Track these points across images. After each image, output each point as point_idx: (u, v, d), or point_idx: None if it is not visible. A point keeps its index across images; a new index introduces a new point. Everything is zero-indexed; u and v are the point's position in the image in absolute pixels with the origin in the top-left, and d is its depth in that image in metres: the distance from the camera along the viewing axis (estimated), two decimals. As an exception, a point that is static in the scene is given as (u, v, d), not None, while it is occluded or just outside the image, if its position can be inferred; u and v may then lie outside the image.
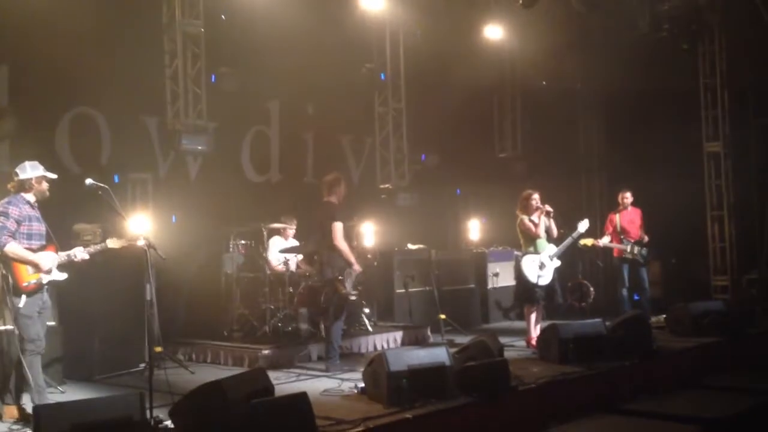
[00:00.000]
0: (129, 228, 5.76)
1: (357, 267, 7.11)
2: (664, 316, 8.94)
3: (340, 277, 6.95)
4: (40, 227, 5.44)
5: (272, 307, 7.99)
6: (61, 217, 7.16)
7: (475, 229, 11.41)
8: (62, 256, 5.52)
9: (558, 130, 12.00)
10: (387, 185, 10.73)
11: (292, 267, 8.38)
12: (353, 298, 7.16)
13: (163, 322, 6.89)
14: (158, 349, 6.80)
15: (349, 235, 7.25)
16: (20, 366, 5.28)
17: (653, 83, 10.72)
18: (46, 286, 5.45)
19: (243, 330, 8.07)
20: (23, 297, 5.25)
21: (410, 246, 10.07)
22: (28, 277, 5.30)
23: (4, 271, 5.24)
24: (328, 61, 9.64)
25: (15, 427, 5.24)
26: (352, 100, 10.46)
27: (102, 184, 5.37)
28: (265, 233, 8.17)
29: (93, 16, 7.67)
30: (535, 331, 7.72)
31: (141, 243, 5.41)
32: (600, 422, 5.89)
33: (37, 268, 5.34)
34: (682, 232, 10.74)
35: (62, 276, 5.51)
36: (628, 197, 9.38)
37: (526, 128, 12.11)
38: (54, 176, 5.53)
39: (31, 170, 5.40)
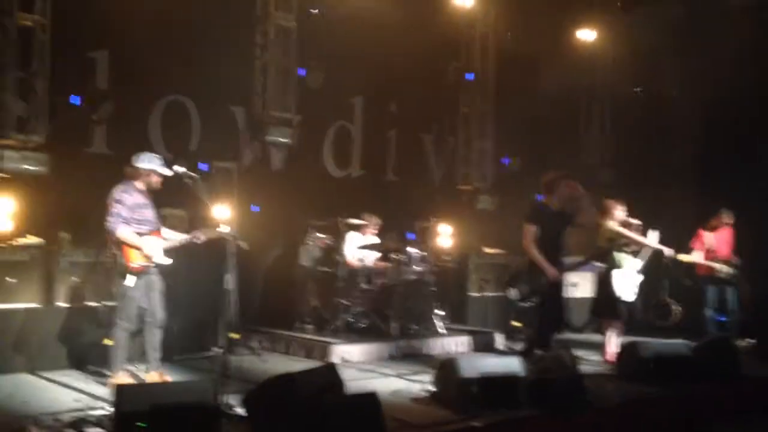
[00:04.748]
0: (214, 216, 5.89)
1: (551, 272, 6.53)
2: (754, 340, 8.50)
3: (506, 279, 6.86)
4: (150, 214, 5.75)
5: (345, 302, 8.02)
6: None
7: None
8: (173, 240, 5.82)
9: (649, 139, 11.55)
10: (468, 187, 10.61)
11: (369, 264, 8.39)
12: (524, 304, 6.80)
13: (238, 309, 7.03)
14: (235, 335, 6.93)
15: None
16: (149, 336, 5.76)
17: (760, 90, 10.12)
18: (153, 268, 5.71)
19: (315, 323, 8.15)
20: (130, 276, 5.57)
21: (487, 250, 9.93)
22: (136, 258, 5.61)
23: (115, 252, 5.58)
24: (414, 58, 9.57)
25: None
26: (437, 99, 10.38)
27: (194, 174, 5.53)
28: (343, 228, 8.21)
29: (189, 7, 7.88)
30: (614, 348, 7.45)
31: (225, 231, 5.54)
32: (678, 448, 5.65)
33: (146, 249, 5.62)
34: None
35: (167, 260, 5.78)
36: (728, 219, 8.95)
37: (615, 134, 11.72)
38: (169, 173, 5.72)
39: (145, 162, 5.70)
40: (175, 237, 5.90)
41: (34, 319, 6.38)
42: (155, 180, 5.72)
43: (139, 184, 5.70)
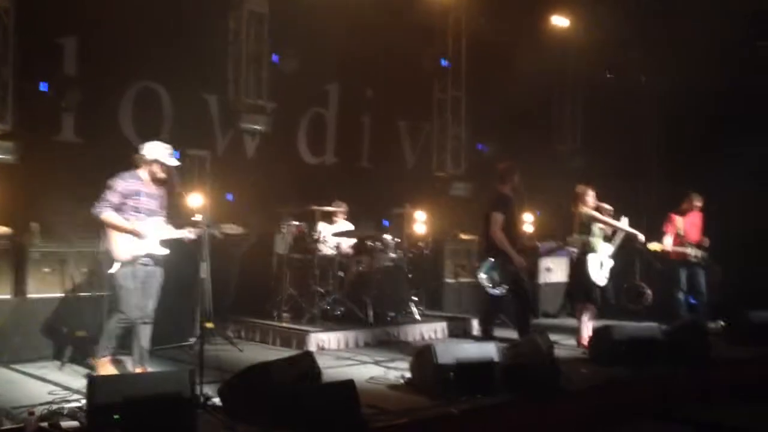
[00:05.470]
0: (187, 205, 5.82)
1: (518, 260, 6.97)
2: (722, 322, 8.66)
3: (476, 265, 7.00)
4: (149, 203, 5.53)
5: (321, 290, 8.01)
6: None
7: (528, 221, 11.22)
8: (171, 233, 5.57)
9: (620, 125, 11.66)
10: (442, 173, 10.62)
11: (344, 251, 8.38)
12: (495, 292, 6.97)
13: (213, 299, 7.00)
14: (210, 324, 6.90)
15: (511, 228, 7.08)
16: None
17: (725, 82, 10.27)
18: (146, 258, 5.51)
19: (291, 311, 8.13)
20: (116, 265, 5.41)
21: (462, 236, 9.97)
22: (123, 247, 5.40)
23: (104, 240, 5.43)
24: (389, 44, 9.54)
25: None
26: (412, 85, 10.35)
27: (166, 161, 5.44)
28: (317, 216, 8.18)
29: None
30: (587, 331, 7.55)
31: (198, 219, 5.47)
32: (649, 430, 5.74)
33: (135, 236, 5.41)
34: (748, 236, 10.32)
35: (163, 251, 5.57)
36: (698, 202, 9.12)
37: (586, 121, 11.82)
38: (175, 163, 5.56)
39: (147, 150, 5.52)
40: (174, 231, 5.64)
41: (6, 312, 6.27)
42: (158, 170, 5.52)
43: (142, 173, 5.55)
